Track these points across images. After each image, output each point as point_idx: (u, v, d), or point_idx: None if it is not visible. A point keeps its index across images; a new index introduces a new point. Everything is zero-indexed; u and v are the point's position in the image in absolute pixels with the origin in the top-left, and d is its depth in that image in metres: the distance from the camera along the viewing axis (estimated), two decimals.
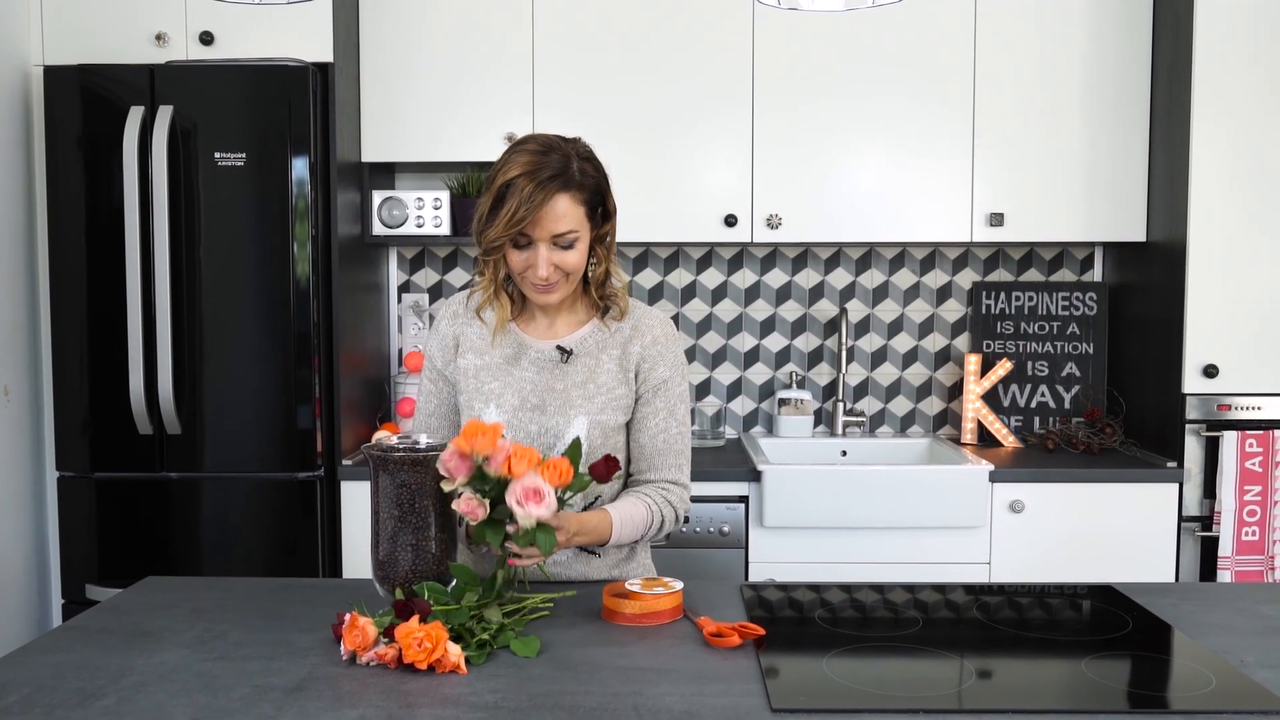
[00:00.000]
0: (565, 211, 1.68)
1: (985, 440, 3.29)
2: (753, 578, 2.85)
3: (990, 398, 3.32)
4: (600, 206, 1.76)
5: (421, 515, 1.52)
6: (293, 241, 2.77)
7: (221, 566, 2.82)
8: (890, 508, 2.81)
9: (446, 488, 1.48)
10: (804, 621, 1.60)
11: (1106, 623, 1.59)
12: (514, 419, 1.78)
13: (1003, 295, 3.38)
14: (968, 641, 1.51)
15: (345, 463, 2.90)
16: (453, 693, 1.29)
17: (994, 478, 2.84)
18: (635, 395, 1.82)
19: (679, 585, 1.59)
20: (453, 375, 1.86)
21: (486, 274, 1.77)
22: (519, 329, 1.84)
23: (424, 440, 1.60)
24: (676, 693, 1.29)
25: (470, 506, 1.46)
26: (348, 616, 1.41)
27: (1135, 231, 3.09)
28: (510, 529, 1.47)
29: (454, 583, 1.54)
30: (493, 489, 1.48)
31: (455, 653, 1.35)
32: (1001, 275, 3.40)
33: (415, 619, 1.37)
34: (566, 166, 1.69)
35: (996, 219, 3.06)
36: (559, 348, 1.81)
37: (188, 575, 2.79)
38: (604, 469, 1.56)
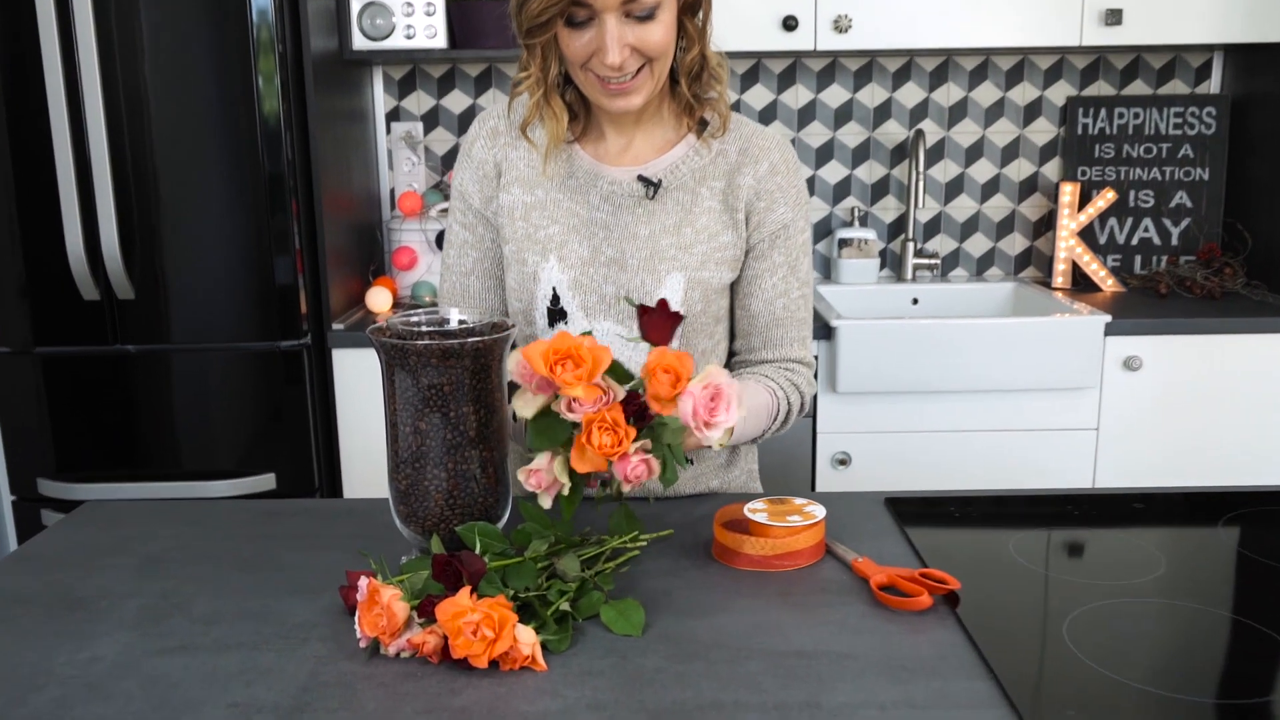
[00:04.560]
0: None
1: (1079, 284, 2.82)
2: (822, 452, 2.42)
3: (1084, 234, 2.84)
4: None
5: (459, 428, 1.05)
6: (255, 61, 2.22)
7: (196, 457, 2.37)
8: (984, 367, 2.37)
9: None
10: (997, 560, 1.16)
11: None
12: (582, 276, 1.31)
13: (1103, 112, 2.85)
14: (1252, 596, 1.08)
15: (336, 327, 2.43)
16: (533, 709, 0.86)
17: (1110, 330, 2.39)
18: (746, 245, 1.34)
19: (819, 511, 1.15)
20: (495, 217, 1.37)
21: (532, 69, 1.26)
22: (584, 152, 1.35)
23: (455, 317, 1.13)
24: (876, 701, 0.86)
25: (638, 471, 1.05)
26: (364, 583, 0.96)
27: (1267, 30, 2.55)
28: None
29: (504, 522, 1.09)
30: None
31: (528, 641, 0.91)
32: (1102, 88, 2.87)
33: (465, 591, 0.93)
34: None
35: (1113, 16, 2.51)
36: (641, 178, 1.31)
37: (157, 469, 2.39)
38: (663, 324, 1.11)
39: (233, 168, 2.26)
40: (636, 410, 1.04)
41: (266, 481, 2.36)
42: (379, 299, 2.57)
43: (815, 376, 1.40)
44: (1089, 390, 2.42)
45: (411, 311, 1.12)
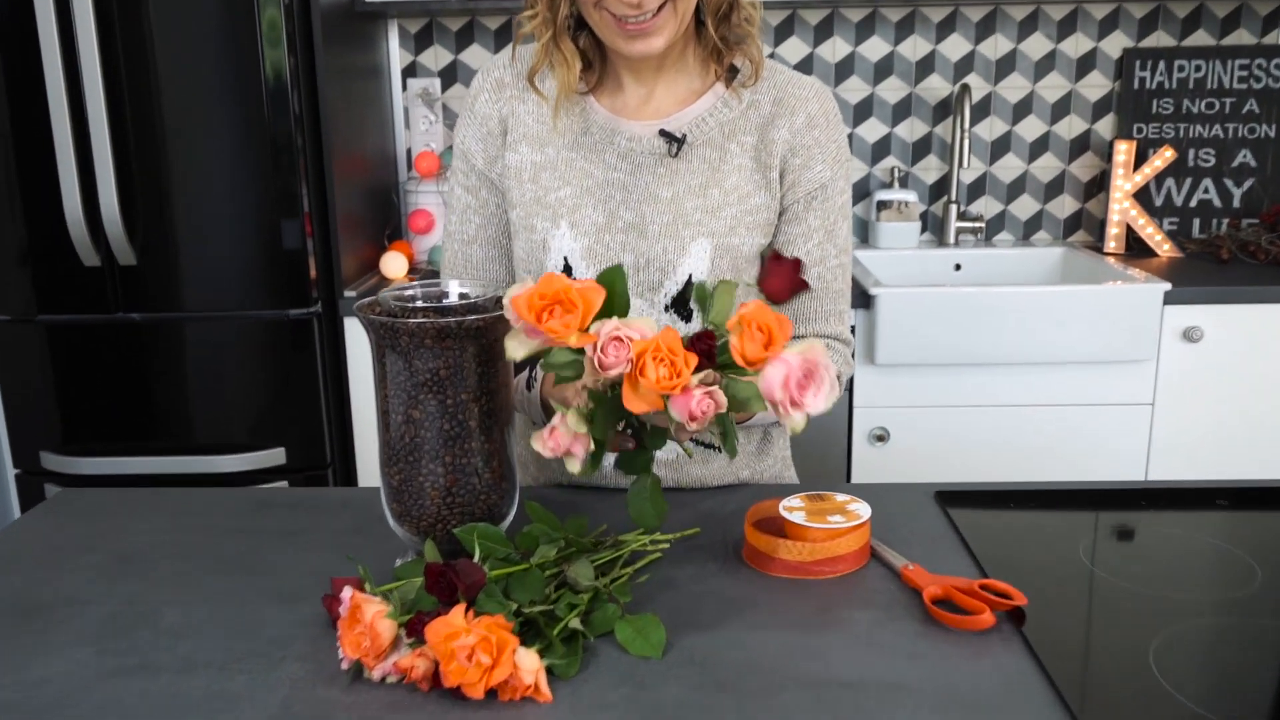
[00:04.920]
0: None
1: (1133, 249, 2.66)
2: (859, 427, 2.29)
3: (1139, 196, 2.67)
4: None
5: (458, 417, 0.93)
6: (260, 14, 2.09)
7: (202, 431, 2.27)
8: (1033, 338, 2.22)
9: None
10: (1067, 568, 1.03)
11: None
12: (597, 244, 1.18)
13: (1161, 65, 2.67)
14: None
15: (348, 294, 2.31)
16: None
17: (1168, 299, 2.23)
18: (780, 207, 1.21)
19: (864, 510, 1.02)
20: (500, 179, 1.24)
21: (539, 8, 1.12)
22: (599, 105, 1.21)
23: (455, 290, 1.00)
24: None
25: (703, 406, 0.87)
26: (348, 594, 0.84)
27: None
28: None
29: (510, 521, 0.97)
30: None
31: (531, 668, 0.79)
32: (1161, 39, 2.69)
33: (459, 609, 0.81)
34: None
35: None
36: (663, 133, 1.18)
37: (163, 442, 2.28)
38: (787, 279, 0.96)
39: (237, 127, 2.14)
40: (704, 351, 0.88)
41: (276, 456, 2.26)
42: (394, 265, 2.46)
43: (853, 355, 1.26)
44: (1145, 363, 2.27)
45: (406, 284, 0.99)
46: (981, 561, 1.00)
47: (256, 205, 2.17)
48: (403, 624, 0.83)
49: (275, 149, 2.14)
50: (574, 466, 0.91)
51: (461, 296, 0.99)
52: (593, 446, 0.91)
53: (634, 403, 0.86)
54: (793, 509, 1.02)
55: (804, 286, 0.95)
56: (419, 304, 0.96)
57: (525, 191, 1.21)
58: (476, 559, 0.90)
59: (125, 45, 2.09)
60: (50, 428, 2.30)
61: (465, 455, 0.94)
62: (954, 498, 1.16)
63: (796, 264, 0.97)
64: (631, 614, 0.89)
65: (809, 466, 1.96)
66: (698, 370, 0.86)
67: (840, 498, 1.05)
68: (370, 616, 0.82)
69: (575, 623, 0.86)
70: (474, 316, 0.92)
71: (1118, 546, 1.05)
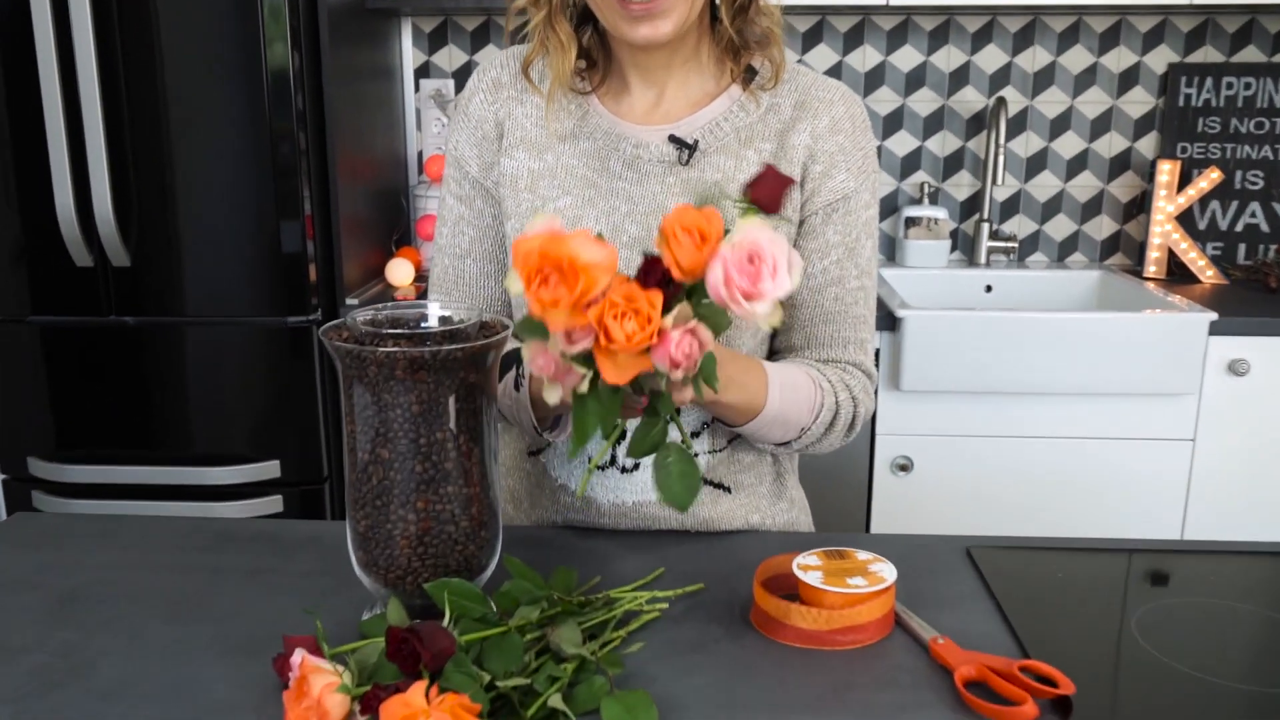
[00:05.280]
0: None
1: (1174, 274, 2.53)
2: (881, 455, 2.18)
3: (1181, 219, 2.55)
4: None
5: (433, 458, 0.83)
6: (262, 9, 1.99)
7: (195, 442, 2.18)
8: (1068, 367, 2.10)
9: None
10: (1118, 646, 0.91)
11: None
12: None
13: (1209, 82, 2.55)
14: None
15: (350, 302, 2.22)
16: None
17: (1214, 329, 2.11)
18: (798, 218, 1.10)
19: (888, 573, 0.91)
20: (496, 188, 1.14)
21: None
22: (603, 108, 1.11)
23: (436, 314, 0.90)
24: None
25: (684, 346, 0.77)
26: (298, 659, 0.74)
27: None
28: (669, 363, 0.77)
29: (490, 573, 0.87)
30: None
31: None
32: (1209, 54, 2.56)
33: (420, 686, 0.70)
34: None
35: None
36: (673, 139, 1.07)
37: (153, 452, 2.15)
38: (774, 187, 0.84)
39: (237, 126, 2.05)
40: (661, 279, 0.78)
41: (270, 469, 2.16)
42: (400, 272, 2.36)
43: (875, 392, 1.15)
44: (1186, 396, 2.14)
45: (380, 305, 0.89)
46: (1020, 634, 0.89)
47: (255, 207, 2.08)
48: (357, 698, 0.73)
49: (276, 148, 2.05)
50: (552, 396, 0.81)
51: (443, 320, 0.89)
52: (585, 386, 0.80)
53: (615, 373, 0.76)
54: (808, 568, 0.91)
55: (789, 183, 0.82)
56: (390, 329, 0.85)
57: (521, 201, 1.11)
58: (447, 620, 0.79)
59: (123, 39, 2.01)
60: (38, 433, 2.21)
61: (440, 501, 0.84)
62: (988, 554, 1.05)
63: (771, 168, 0.84)
64: (622, 689, 0.78)
65: (827, 497, 1.85)
66: (667, 309, 0.77)
67: (862, 555, 0.94)
68: (319, 690, 0.71)
69: (556, 699, 0.76)
70: (453, 346, 0.81)
71: (1178, 619, 0.93)
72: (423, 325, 0.89)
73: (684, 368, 0.77)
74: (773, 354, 1.17)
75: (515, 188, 1.11)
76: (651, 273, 0.78)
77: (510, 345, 0.87)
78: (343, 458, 2.19)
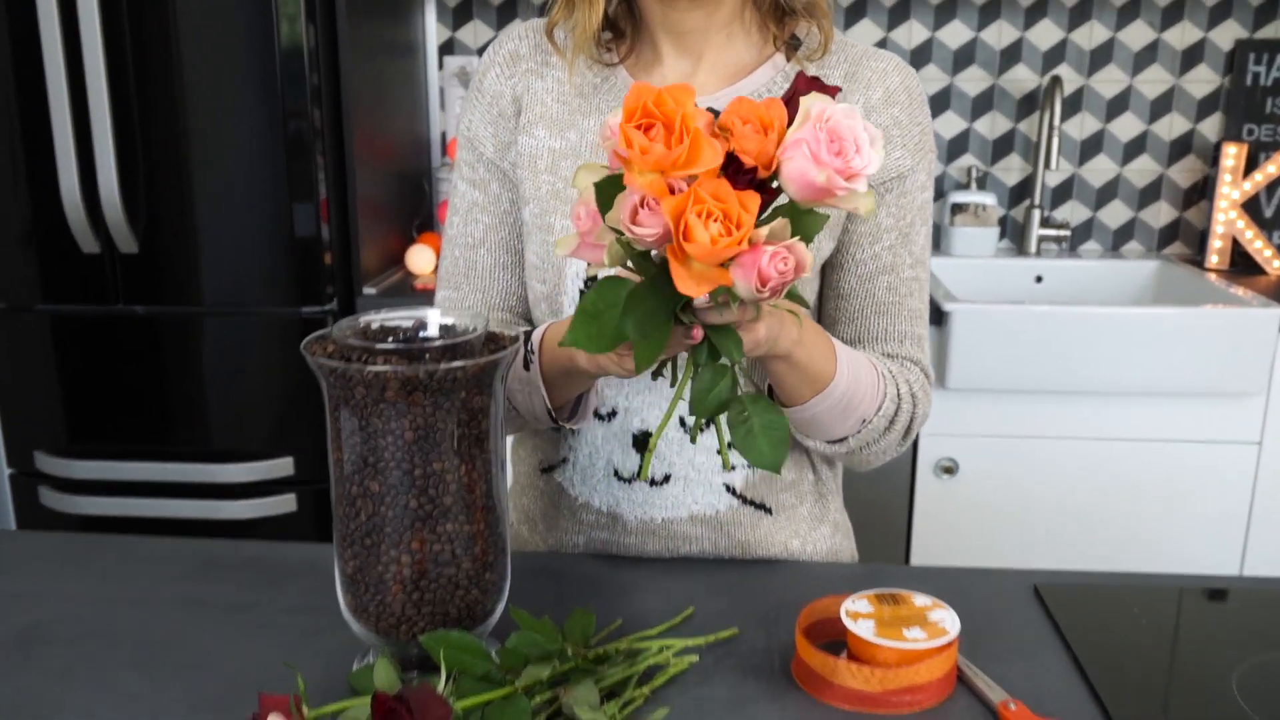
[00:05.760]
0: None
1: (1237, 264, 2.38)
2: (925, 457, 2.06)
3: (1246, 206, 2.40)
4: None
5: (429, 492, 0.72)
6: None
7: (205, 436, 2.09)
8: (1124, 365, 1.97)
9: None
10: (1219, 711, 0.79)
11: None
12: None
13: (1278, 59, 2.39)
14: None
15: (368, 291, 2.12)
16: None
17: None
18: None
19: (951, 624, 0.79)
20: (513, 169, 1.03)
21: None
22: (633, 79, 1.00)
23: (436, 321, 0.79)
24: None
25: (778, 263, 0.68)
26: None
27: None
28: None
29: (495, 621, 0.76)
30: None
31: None
32: (1279, 30, 2.40)
33: None
34: None
35: None
36: (711, 112, 0.96)
37: (162, 447, 2.05)
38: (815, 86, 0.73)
39: (248, 106, 1.95)
40: (750, 179, 0.68)
41: (283, 466, 2.07)
42: (421, 259, 2.26)
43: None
44: (1253, 397, 2.00)
45: (373, 314, 0.78)
46: (1101, 693, 0.77)
47: (268, 190, 1.98)
48: None
49: (289, 128, 1.95)
50: (563, 248, 0.73)
51: (444, 330, 0.78)
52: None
53: (690, 283, 0.65)
54: (858, 616, 0.79)
55: (835, 90, 0.72)
56: (382, 342, 0.74)
57: (541, 184, 1.00)
58: (444, 683, 0.69)
59: (129, 15, 1.91)
60: (45, 427, 2.13)
61: (438, 540, 0.73)
62: (1058, 594, 0.93)
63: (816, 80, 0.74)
64: None
65: (866, 501, 1.74)
66: (760, 214, 0.67)
67: (919, 601, 0.82)
68: None
69: None
70: (452, 364, 0.70)
71: (1228, 645, 0.81)
72: (421, 335, 0.78)
73: (774, 289, 0.67)
74: None
75: (534, 169, 1.01)
76: (739, 170, 0.67)
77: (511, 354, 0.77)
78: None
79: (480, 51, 2.52)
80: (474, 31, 2.52)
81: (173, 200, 1.99)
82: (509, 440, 1.14)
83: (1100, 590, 0.95)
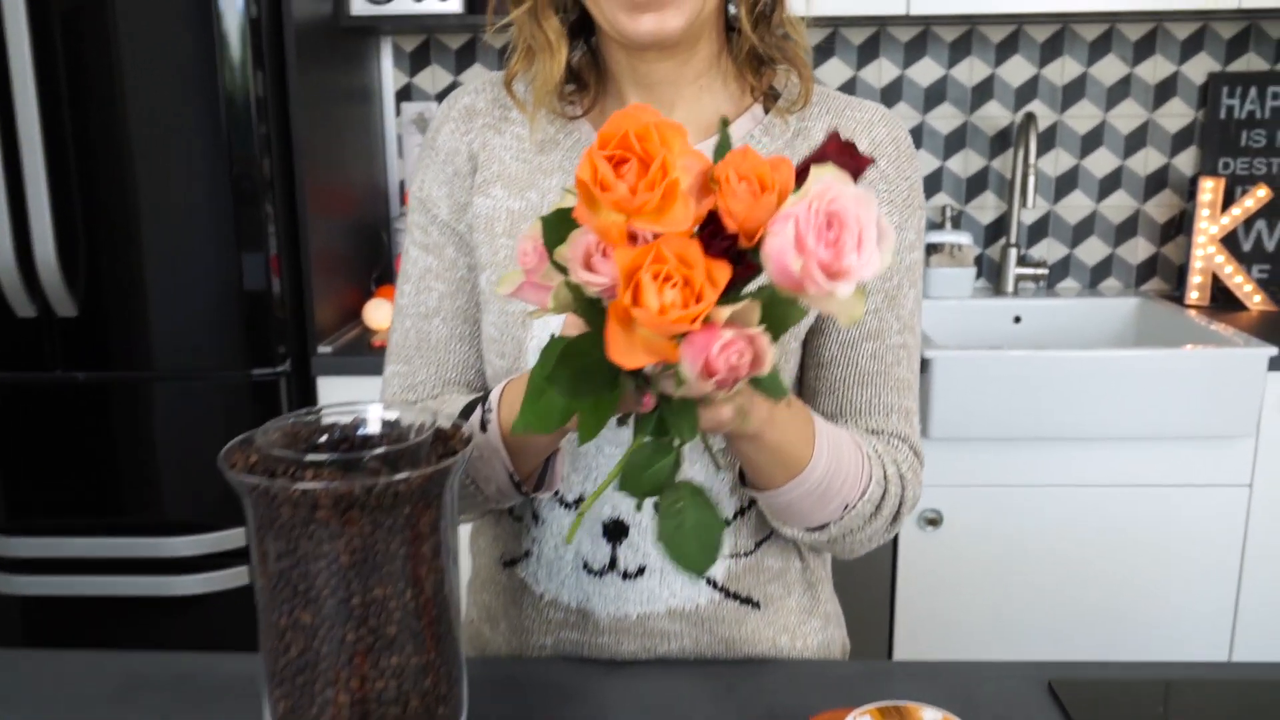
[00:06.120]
0: None
1: (1218, 299, 2.33)
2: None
3: (1226, 241, 2.35)
4: None
5: (370, 622, 0.63)
6: (218, 28, 1.80)
7: (153, 509, 1.97)
8: (1108, 409, 1.90)
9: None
10: None
11: None
12: None
13: (1253, 91, 2.35)
14: None
15: (323, 350, 2.02)
16: None
17: (1275, 364, 1.91)
18: None
19: None
20: (470, 233, 0.95)
21: None
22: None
23: (376, 418, 0.70)
24: None
25: (733, 354, 0.58)
26: None
27: None
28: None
29: None
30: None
31: None
32: (1252, 63, 2.36)
33: None
34: None
35: None
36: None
37: (108, 520, 1.94)
38: (844, 155, 0.64)
39: (194, 158, 1.85)
40: (727, 252, 0.58)
41: (236, 538, 1.96)
42: (379, 313, 2.16)
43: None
44: (1243, 439, 1.94)
45: (307, 410, 0.69)
46: None
47: (215, 246, 1.88)
48: None
49: (236, 179, 1.85)
50: (505, 286, 0.65)
51: (387, 429, 0.69)
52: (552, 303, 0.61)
53: (623, 349, 0.56)
54: None
55: (867, 162, 0.62)
56: (313, 448, 0.65)
57: (499, 248, 0.92)
58: None
59: (66, 64, 1.81)
60: None
61: (382, 676, 0.64)
62: (1075, 690, 0.84)
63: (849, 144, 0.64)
64: None
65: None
66: (730, 291, 0.57)
67: (927, 716, 0.73)
68: None
69: None
70: (394, 478, 0.61)
71: None
72: (360, 433, 0.69)
73: (721, 382, 0.57)
74: None
75: (491, 232, 0.92)
76: (717, 233, 0.58)
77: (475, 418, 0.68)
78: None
79: (440, 97, 2.44)
80: (432, 76, 2.44)
81: (114, 259, 1.89)
82: (466, 529, 1.04)
83: (1119, 685, 0.86)
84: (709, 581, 0.91)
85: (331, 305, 2.10)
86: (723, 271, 0.56)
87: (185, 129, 1.84)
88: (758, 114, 0.92)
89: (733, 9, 0.90)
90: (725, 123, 0.63)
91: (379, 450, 0.64)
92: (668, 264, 0.55)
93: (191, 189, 1.87)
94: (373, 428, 0.70)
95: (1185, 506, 1.96)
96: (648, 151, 0.56)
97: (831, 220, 0.56)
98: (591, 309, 0.61)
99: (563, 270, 0.60)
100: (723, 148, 0.61)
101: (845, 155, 0.60)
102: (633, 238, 0.57)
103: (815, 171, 0.57)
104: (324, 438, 0.68)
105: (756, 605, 0.93)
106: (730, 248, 0.58)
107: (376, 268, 2.38)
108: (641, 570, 0.91)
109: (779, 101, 0.92)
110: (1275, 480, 1.95)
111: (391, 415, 0.70)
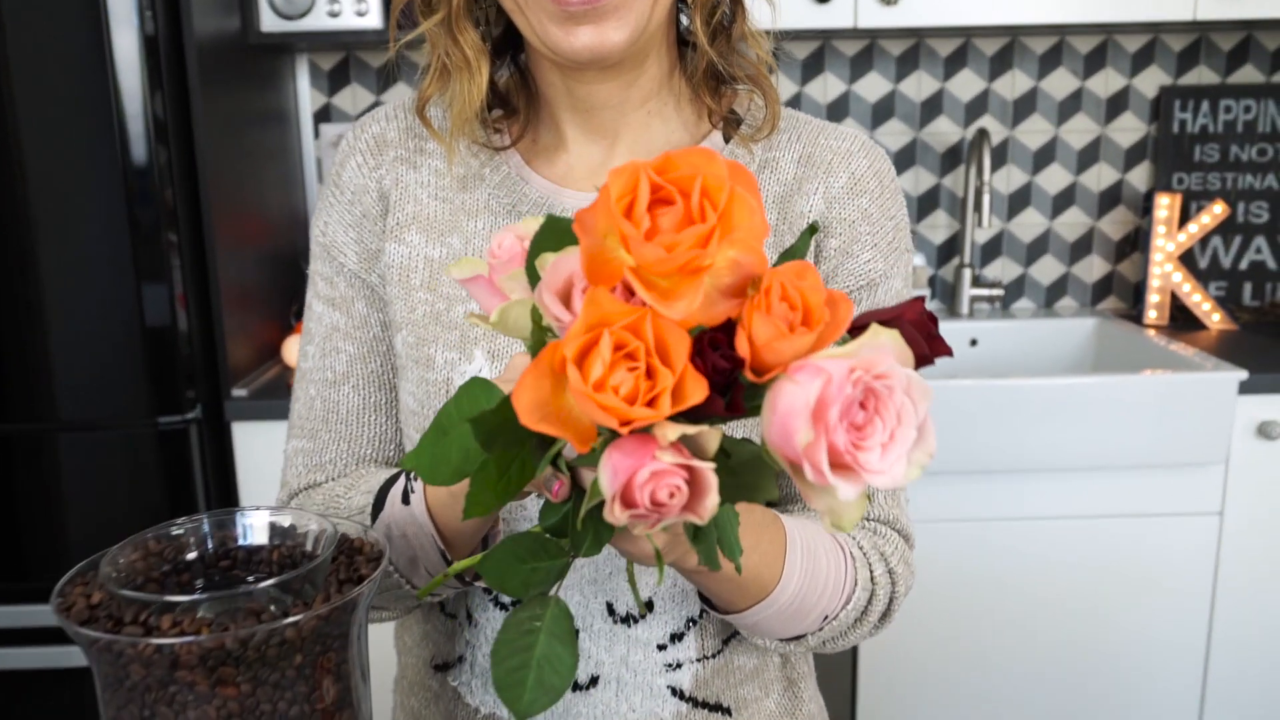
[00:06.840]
0: None
1: (1176, 319, 2.27)
2: None
3: (1182, 258, 2.29)
4: None
5: None
6: (108, 47, 1.64)
7: (53, 574, 1.79)
8: (1074, 438, 1.81)
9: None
10: None
11: None
12: None
13: (1205, 105, 2.29)
14: None
15: (238, 393, 1.85)
16: None
17: (1244, 388, 1.83)
18: None
19: None
20: (382, 285, 0.81)
21: None
22: (532, 169, 0.79)
23: (262, 526, 0.56)
24: None
25: (663, 486, 0.43)
26: None
27: None
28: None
29: None
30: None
31: None
32: (1203, 75, 2.31)
33: None
34: None
35: None
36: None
37: (22, 583, 1.75)
38: (915, 330, 0.50)
39: (88, 189, 1.68)
40: (718, 367, 0.44)
41: None
42: (299, 350, 2.00)
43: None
44: (1212, 466, 1.86)
45: (173, 522, 0.55)
46: None
47: (115, 283, 1.71)
48: None
49: (134, 210, 1.69)
50: (458, 270, 0.56)
51: (277, 536, 0.55)
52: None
53: (532, 411, 0.42)
54: None
55: (942, 353, 0.48)
56: (176, 582, 0.51)
57: (417, 304, 0.78)
58: None
59: None
60: None
61: None
62: None
63: (915, 306, 0.51)
64: None
65: None
66: (703, 410, 0.43)
67: None
68: None
69: None
70: (280, 623, 0.47)
71: None
72: (241, 544, 0.55)
73: (641, 516, 0.43)
74: (771, 504, 0.84)
75: (407, 284, 0.79)
76: (720, 345, 0.44)
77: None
78: None
79: (359, 118, 2.29)
80: (352, 96, 2.29)
81: (6, 305, 1.71)
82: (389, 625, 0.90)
83: None
84: (673, 691, 0.78)
85: (246, 343, 1.93)
86: (698, 391, 0.42)
87: (79, 159, 1.67)
88: (717, 142, 0.80)
89: (685, 20, 0.79)
90: (813, 229, 0.50)
91: (265, 582, 0.50)
92: (641, 343, 0.42)
93: (87, 222, 1.70)
94: (259, 536, 0.56)
95: (1154, 536, 1.88)
96: (703, 209, 0.42)
97: (869, 399, 0.43)
98: (541, 344, 0.47)
99: (531, 284, 0.47)
100: (795, 252, 0.48)
101: (923, 330, 0.47)
102: (628, 290, 0.43)
103: (874, 331, 0.44)
104: (194, 553, 0.54)
105: (728, 712, 0.80)
106: (728, 373, 0.45)
107: (295, 300, 2.21)
108: (595, 681, 0.77)
109: (741, 128, 0.80)
110: (1246, 507, 1.87)
111: (284, 519, 0.57)
